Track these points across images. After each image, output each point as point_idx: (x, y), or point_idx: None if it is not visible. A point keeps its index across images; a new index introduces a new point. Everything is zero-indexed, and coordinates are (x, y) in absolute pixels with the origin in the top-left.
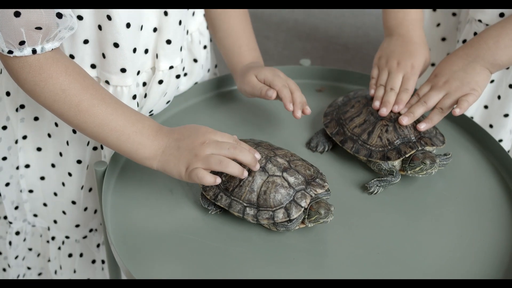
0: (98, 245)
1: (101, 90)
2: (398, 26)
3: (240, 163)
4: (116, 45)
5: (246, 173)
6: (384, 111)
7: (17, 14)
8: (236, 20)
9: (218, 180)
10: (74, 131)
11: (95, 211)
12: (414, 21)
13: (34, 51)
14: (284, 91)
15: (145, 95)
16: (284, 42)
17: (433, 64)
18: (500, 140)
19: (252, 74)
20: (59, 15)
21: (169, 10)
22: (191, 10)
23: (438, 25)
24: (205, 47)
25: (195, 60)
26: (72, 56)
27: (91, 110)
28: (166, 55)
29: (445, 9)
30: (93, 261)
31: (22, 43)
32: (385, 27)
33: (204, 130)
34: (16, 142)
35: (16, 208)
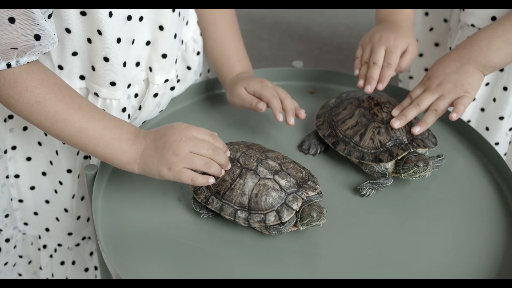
0: (91, 253)
1: (78, 98)
2: (386, 15)
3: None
4: (106, 59)
5: (223, 172)
6: (369, 89)
7: None
8: (225, 30)
9: (212, 180)
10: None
11: (88, 219)
12: (403, 12)
13: (8, 65)
14: (274, 101)
15: (140, 107)
16: (278, 43)
17: (426, 69)
18: (497, 143)
19: (241, 87)
20: (37, 37)
21: (164, 24)
22: (185, 21)
23: (431, 29)
24: (198, 53)
25: (189, 68)
26: (60, 67)
27: (68, 120)
28: (161, 69)
29: (437, 14)
30: (86, 269)
31: None
32: (375, 20)
33: (178, 126)
34: (5, 152)
35: (7, 216)
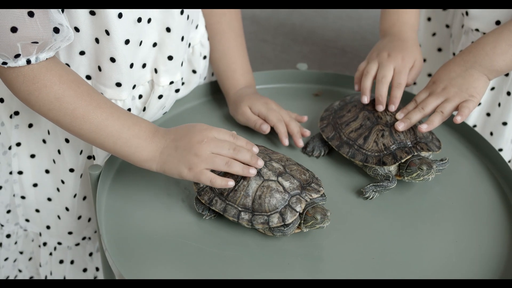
0: (91, 254)
1: (96, 95)
2: (391, 27)
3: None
4: (112, 59)
5: (253, 171)
6: (380, 108)
7: (13, 30)
8: (232, 41)
9: (231, 183)
10: (67, 140)
11: (89, 220)
12: (407, 23)
13: (28, 62)
14: (279, 126)
15: (144, 109)
16: (282, 45)
17: (429, 75)
18: (500, 150)
19: (246, 106)
20: (56, 30)
21: (172, 26)
22: (194, 24)
23: (434, 34)
24: (204, 57)
25: (194, 71)
26: (67, 66)
27: (87, 116)
28: (167, 71)
29: (439, 19)
30: (85, 270)
31: (17, 56)
32: (380, 31)
33: (199, 127)
34: (10, 148)
35: (8, 211)
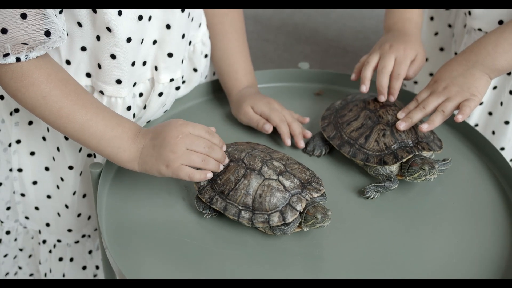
0: (90, 252)
1: (83, 95)
2: (395, 23)
3: None
4: (113, 56)
5: (221, 167)
6: (382, 98)
7: (3, 31)
8: (234, 42)
9: (210, 175)
10: (66, 138)
11: (89, 217)
12: (410, 20)
13: (18, 59)
14: (282, 126)
15: (144, 107)
16: (284, 45)
17: (431, 74)
18: (502, 148)
19: (248, 106)
20: (47, 33)
21: (172, 24)
22: (196, 23)
23: (436, 34)
24: (206, 56)
25: (195, 70)
26: (68, 62)
27: (71, 116)
28: (167, 68)
29: (442, 18)
30: (84, 267)
31: (6, 55)
32: (384, 28)
33: (174, 123)
34: (10, 145)
35: (8, 208)
